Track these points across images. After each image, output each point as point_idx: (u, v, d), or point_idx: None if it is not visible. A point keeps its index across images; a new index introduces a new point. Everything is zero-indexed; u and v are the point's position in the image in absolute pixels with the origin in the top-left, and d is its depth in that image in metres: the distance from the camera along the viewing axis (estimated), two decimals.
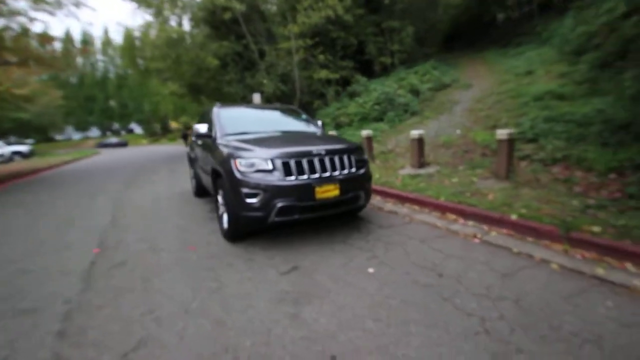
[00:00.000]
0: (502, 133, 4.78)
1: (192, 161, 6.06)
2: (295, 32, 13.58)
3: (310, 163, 3.36)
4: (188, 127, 35.62)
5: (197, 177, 5.89)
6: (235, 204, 3.34)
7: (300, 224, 4.05)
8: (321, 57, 14.06)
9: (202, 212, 5.07)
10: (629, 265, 2.62)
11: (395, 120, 11.47)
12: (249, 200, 3.24)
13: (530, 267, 2.73)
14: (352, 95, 14.99)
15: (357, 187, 3.65)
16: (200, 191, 6.05)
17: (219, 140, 4.09)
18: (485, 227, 3.67)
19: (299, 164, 3.31)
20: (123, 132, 46.10)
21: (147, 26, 14.47)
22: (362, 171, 3.74)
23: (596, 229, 3.00)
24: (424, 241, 3.43)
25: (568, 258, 2.83)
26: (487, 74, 15.21)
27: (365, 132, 7.74)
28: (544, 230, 3.24)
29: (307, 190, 3.29)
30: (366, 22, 16.90)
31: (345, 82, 16.08)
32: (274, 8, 15.04)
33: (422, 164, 6.35)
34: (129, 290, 2.68)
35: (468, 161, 6.35)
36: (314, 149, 3.43)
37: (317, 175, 3.35)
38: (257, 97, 12.76)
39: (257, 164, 3.28)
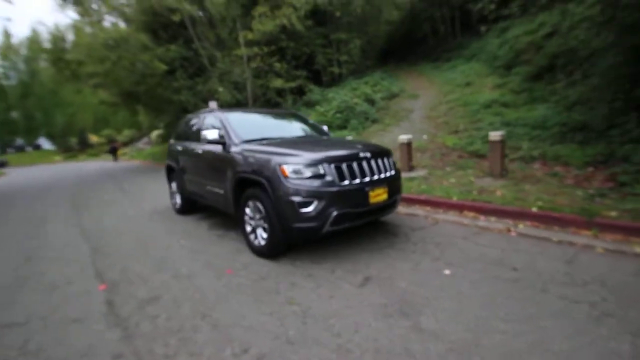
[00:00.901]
0: (495, 135, 5.21)
1: (177, 173, 5.36)
2: (250, 39, 13.20)
3: (360, 166, 3.22)
4: (113, 140, 31.86)
5: (184, 192, 5.22)
6: (285, 215, 3.01)
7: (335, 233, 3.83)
8: (277, 66, 13.85)
9: (201, 230, 4.49)
10: None
11: (359, 127, 11.79)
12: (302, 210, 2.95)
13: (582, 253, 2.97)
14: (309, 105, 15.07)
15: (397, 189, 3.61)
16: (188, 207, 5.39)
17: (238, 147, 3.68)
18: (510, 221, 3.91)
19: (350, 168, 3.14)
20: (29, 148, 38.99)
21: (75, 27, 12.62)
22: (398, 173, 3.71)
23: (613, 213, 3.40)
24: (466, 238, 3.51)
25: (603, 242, 3.15)
26: (428, 85, 16.59)
27: (347, 138, 7.78)
28: (567, 219, 3.57)
29: (361, 195, 3.13)
30: (315, 34, 17.21)
31: (299, 92, 16.10)
32: (223, 13, 14.36)
33: (411, 167, 6.59)
34: (192, 330, 2.20)
35: (450, 163, 6.78)
36: (359, 151, 3.30)
37: (368, 179, 3.21)
38: (213, 106, 12.01)
39: (308, 170, 3.01)
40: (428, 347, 1.86)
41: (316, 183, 2.99)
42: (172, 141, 5.88)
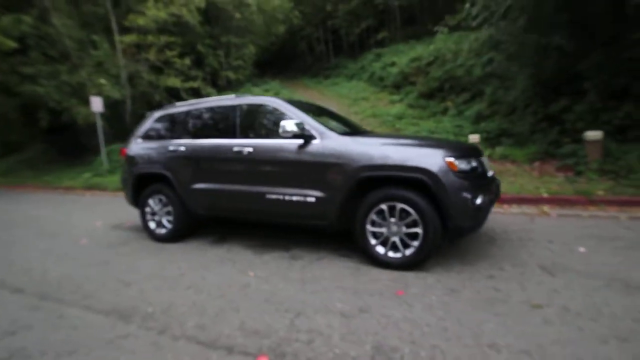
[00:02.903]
0: (474, 137, 6.10)
1: (173, 184, 3.78)
2: (141, 25, 10.75)
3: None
4: None
5: (191, 208, 3.75)
6: (455, 214, 2.63)
7: None
8: (178, 62, 11.79)
9: (248, 255, 3.33)
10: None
11: None
12: (474, 207, 2.66)
13: (618, 221, 3.85)
14: None
15: None
16: (188, 230, 3.93)
17: (337, 141, 2.99)
18: (532, 207, 4.66)
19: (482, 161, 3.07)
20: None
21: None
22: None
23: (601, 192, 4.58)
24: (532, 223, 3.98)
25: (616, 213, 4.16)
26: (322, 97, 17.69)
27: None
28: (573, 200, 4.56)
29: (496, 187, 3.12)
30: (204, 32, 15.65)
31: (195, 94, 14.23)
32: None
33: None
34: None
35: None
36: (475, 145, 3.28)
37: (492, 172, 3.22)
38: (97, 103, 9.14)
39: (467, 163, 2.75)
40: None
41: (476, 176, 2.78)
42: (139, 141, 4.16)
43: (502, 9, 6.58)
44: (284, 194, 3.19)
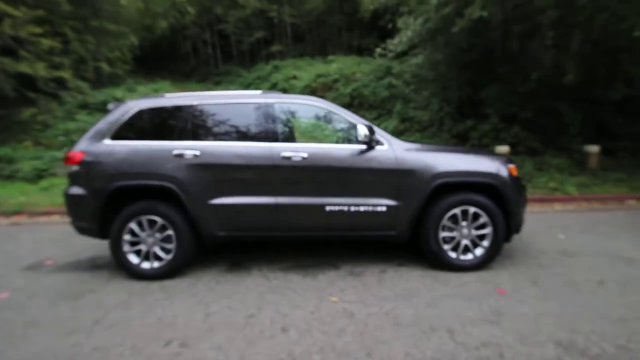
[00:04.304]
0: None
1: (187, 199, 2.79)
2: None
3: None
4: None
5: (193, 229, 2.89)
6: (517, 215, 2.96)
7: None
8: (44, 42, 8.86)
9: (295, 280, 2.84)
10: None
11: None
12: (524, 206, 3.07)
13: (547, 214, 5.07)
14: (85, 107, 10.92)
15: None
16: (190, 259, 3.04)
17: (404, 149, 2.95)
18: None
19: None
20: None
21: None
22: None
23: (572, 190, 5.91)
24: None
25: (604, 206, 5.42)
26: None
27: None
28: (558, 198, 5.72)
29: None
30: (67, 11, 12.49)
31: (60, 86, 11.05)
32: None
33: None
34: None
35: None
36: None
37: None
38: None
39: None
40: None
41: (520, 180, 3.21)
42: (107, 142, 2.96)
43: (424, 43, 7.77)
44: (349, 205, 2.87)
